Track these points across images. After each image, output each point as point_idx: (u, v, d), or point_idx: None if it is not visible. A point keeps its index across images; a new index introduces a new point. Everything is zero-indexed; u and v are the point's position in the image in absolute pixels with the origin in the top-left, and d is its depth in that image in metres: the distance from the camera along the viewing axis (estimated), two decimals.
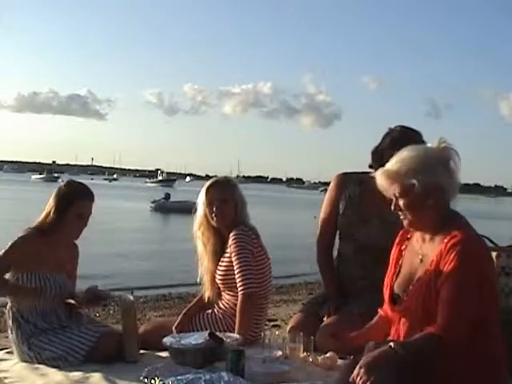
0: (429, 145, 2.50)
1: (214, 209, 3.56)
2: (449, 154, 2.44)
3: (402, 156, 2.46)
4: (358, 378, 2.17)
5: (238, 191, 3.63)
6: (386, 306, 2.58)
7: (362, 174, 3.61)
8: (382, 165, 3.43)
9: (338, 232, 3.70)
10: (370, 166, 3.57)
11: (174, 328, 3.53)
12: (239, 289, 3.45)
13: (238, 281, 3.45)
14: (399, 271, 2.57)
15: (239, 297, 3.45)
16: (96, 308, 6.78)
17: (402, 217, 2.49)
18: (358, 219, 3.54)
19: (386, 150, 3.43)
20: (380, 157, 3.45)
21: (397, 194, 2.45)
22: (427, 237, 2.47)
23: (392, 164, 2.47)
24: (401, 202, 2.45)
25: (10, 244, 3.31)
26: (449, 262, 2.31)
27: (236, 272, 3.46)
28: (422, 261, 2.46)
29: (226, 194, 3.58)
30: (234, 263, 3.47)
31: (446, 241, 2.36)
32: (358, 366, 2.20)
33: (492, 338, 2.38)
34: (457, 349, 2.28)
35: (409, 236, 2.60)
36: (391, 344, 2.24)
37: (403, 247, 2.61)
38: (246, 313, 3.44)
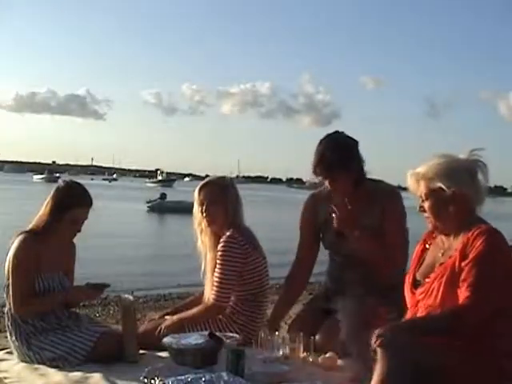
0: (460, 155, 2.57)
1: (203, 209, 3.57)
2: (477, 166, 2.53)
3: (432, 162, 2.55)
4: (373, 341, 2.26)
5: (231, 193, 3.59)
6: (406, 291, 2.66)
7: (328, 188, 3.54)
8: (327, 177, 3.41)
9: (324, 247, 3.68)
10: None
11: (163, 326, 3.47)
12: (212, 296, 3.45)
13: (214, 288, 3.45)
14: (422, 263, 2.66)
15: (209, 301, 3.48)
16: (96, 308, 6.79)
17: (427, 219, 2.59)
18: (338, 236, 3.47)
19: (314, 169, 3.42)
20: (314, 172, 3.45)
21: (422, 196, 2.55)
22: (451, 235, 2.55)
23: (421, 167, 2.56)
24: (425, 205, 2.55)
25: (15, 261, 3.24)
26: (475, 248, 2.39)
27: (215, 280, 3.45)
28: (443, 254, 2.54)
29: (215, 196, 3.56)
30: (216, 271, 3.46)
31: (470, 233, 2.44)
32: (375, 334, 2.28)
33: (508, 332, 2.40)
34: (469, 340, 2.33)
35: (434, 235, 2.68)
36: (416, 318, 2.37)
37: (428, 243, 2.69)
38: (202, 317, 3.48)
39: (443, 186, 2.48)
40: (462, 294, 2.37)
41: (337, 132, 3.51)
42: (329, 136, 3.47)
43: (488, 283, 2.35)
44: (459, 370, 2.30)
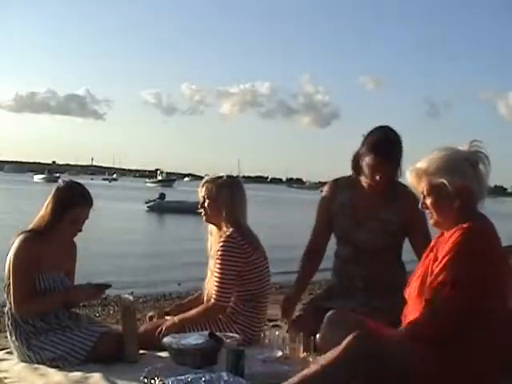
0: (460, 147, 2.50)
1: (201, 205, 3.64)
2: (478, 157, 2.45)
3: (432, 155, 2.47)
4: None
5: (225, 192, 3.59)
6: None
7: (350, 177, 3.62)
8: (359, 168, 3.46)
9: (334, 237, 3.71)
10: (354, 171, 3.58)
11: (164, 327, 3.47)
12: (213, 296, 3.47)
13: (214, 289, 3.46)
14: None
15: (210, 302, 3.49)
16: (96, 308, 6.79)
17: (429, 215, 2.53)
18: (353, 224, 3.55)
19: (364, 154, 3.45)
20: (357, 161, 3.49)
21: (424, 192, 2.48)
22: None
23: (421, 162, 2.48)
24: (427, 201, 2.48)
25: (16, 261, 3.24)
26: (446, 250, 2.34)
27: (215, 280, 3.47)
28: None
29: (209, 194, 3.62)
30: (216, 272, 3.48)
31: (449, 233, 2.39)
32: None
33: (485, 335, 2.35)
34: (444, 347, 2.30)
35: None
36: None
37: (437, 243, 2.64)
38: (203, 317, 3.49)
39: (445, 181, 2.40)
40: (422, 307, 2.35)
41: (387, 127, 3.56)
42: (385, 127, 3.51)
43: (447, 297, 2.28)
44: (434, 375, 2.28)
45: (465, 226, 2.35)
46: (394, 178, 3.50)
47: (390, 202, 3.50)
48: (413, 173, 2.50)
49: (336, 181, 3.71)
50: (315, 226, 3.74)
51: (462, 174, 2.40)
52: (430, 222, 2.56)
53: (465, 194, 2.41)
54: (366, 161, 3.44)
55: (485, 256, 2.33)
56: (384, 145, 3.42)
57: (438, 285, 2.31)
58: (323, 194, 3.74)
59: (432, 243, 2.68)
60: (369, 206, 3.51)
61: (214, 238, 3.66)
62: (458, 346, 2.31)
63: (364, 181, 3.53)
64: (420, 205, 2.53)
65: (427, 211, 2.52)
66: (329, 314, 2.78)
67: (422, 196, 2.51)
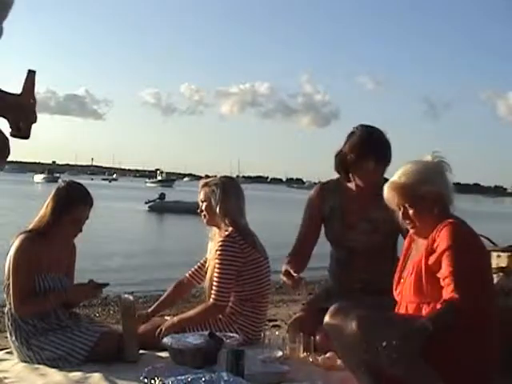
0: (425, 159, 2.70)
1: (199, 210, 3.68)
2: (443, 167, 2.66)
3: (407, 169, 2.64)
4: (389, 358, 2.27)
5: (218, 191, 3.59)
6: (394, 290, 2.74)
7: (337, 180, 3.61)
8: (347, 170, 3.47)
9: (327, 240, 3.69)
10: (337, 171, 3.57)
11: (164, 328, 3.46)
12: (212, 296, 3.47)
13: (214, 289, 3.46)
14: (408, 260, 2.74)
15: (210, 302, 3.48)
16: (96, 308, 6.79)
17: (410, 225, 2.66)
18: (345, 227, 3.54)
19: (347, 154, 3.46)
20: (343, 161, 3.49)
21: (406, 205, 2.62)
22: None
23: (398, 177, 2.64)
24: (410, 212, 2.62)
25: (16, 261, 3.24)
26: (442, 241, 2.47)
27: (214, 280, 3.48)
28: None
29: (205, 196, 3.66)
30: (216, 272, 3.48)
31: (435, 230, 2.53)
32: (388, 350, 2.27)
33: (483, 331, 2.44)
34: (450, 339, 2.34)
35: None
36: (423, 321, 2.31)
37: (413, 239, 2.76)
38: (202, 317, 3.49)
39: (424, 192, 2.58)
40: (446, 288, 2.42)
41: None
42: (372, 127, 3.50)
43: (466, 272, 2.41)
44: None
45: (449, 221, 2.52)
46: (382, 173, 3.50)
47: (381, 200, 3.49)
48: (391, 187, 2.66)
49: (323, 185, 3.70)
50: (304, 227, 3.68)
51: (435, 183, 2.60)
52: (411, 231, 2.69)
53: (440, 201, 2.60)
54: (363, 165, 3.44)
55: (475, 244, 2.54)
56: (380, 148, 3.44)
57: (452, 270, 2.41)
58: (311, 196, 3.68)
59: (408, 240, 2.79)
60: (360, 208, 3.50)
61: (214, 242, 3.66)
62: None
63: (356, 183, 3.51)
64: (401, 216, 2.66)
65: (408, 221, 2.65)
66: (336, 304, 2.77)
67: (401, 208, 2.64)
